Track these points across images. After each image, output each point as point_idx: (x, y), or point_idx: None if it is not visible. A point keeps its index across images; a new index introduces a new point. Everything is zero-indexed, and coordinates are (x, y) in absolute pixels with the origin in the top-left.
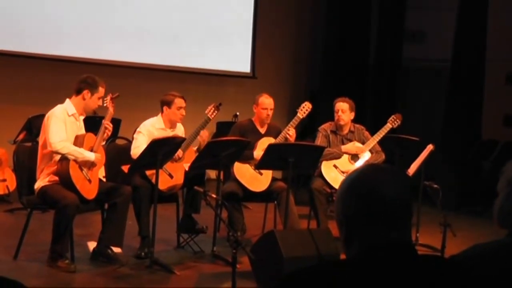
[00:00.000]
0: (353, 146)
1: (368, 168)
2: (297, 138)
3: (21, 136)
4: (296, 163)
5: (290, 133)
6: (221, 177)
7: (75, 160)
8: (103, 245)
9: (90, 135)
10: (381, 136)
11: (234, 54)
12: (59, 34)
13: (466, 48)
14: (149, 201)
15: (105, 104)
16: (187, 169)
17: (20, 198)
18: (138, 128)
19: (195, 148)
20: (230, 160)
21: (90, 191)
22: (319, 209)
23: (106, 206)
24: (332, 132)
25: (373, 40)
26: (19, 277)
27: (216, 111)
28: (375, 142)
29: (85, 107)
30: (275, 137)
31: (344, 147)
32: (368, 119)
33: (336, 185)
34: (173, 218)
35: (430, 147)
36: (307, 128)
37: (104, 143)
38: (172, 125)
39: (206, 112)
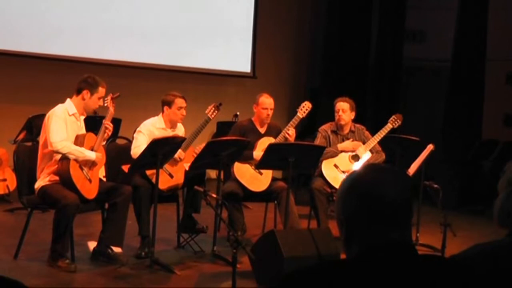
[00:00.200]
0: (349, 143)
1: (369, 168)
2: (297, 138)
3: (21, 136)
4: (296, 162)
5: (290, 132)
6: (221, 176)
7: (75, 160)
8: (103, 244)
9: (91, 134)
10: (382, 136)
11: (234, 54)
12: (59, 34)
13: (466, 48)
14: (149, 201)
15: (105, 104)
16: (187, 168)
17: (20, 198)
18: (139, 127)
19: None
20: (230, 160)
21: (90, 191)
22: (319, 208)
23: (106, 205)
24: (333, 132)
25: (373, 40)
26: (19, 276)
27: (216, 111)
28: (376, 142)
29: (85, 107)
30: (275, 137)
31: (340, 145)
32: (368, 118)
33: (337, 184)
34: (173, 218)
35: (430, 147)
36: (307, 128)
37: (104, 142)
38: (173, 125)
39: (206, 112)
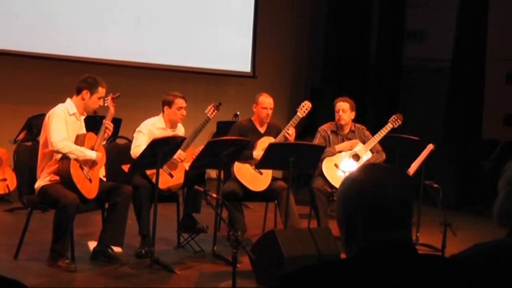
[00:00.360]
0: (346, 143)
1: (369, 167)
2: (297, 138)
3: (21, 136)
4: (297, 162)
5: (289, 132)
6: (222, 176)
7: (76, 159)
8: (104, 244)
9: (91, 134)
10: (382, 135)
11: (235, 54)
12: (59, 34)
13: (466, 48)
14: (150, 201)
15: (106, 104)
16: (187, 168)
17: (21, 198)
18: (139, 127)
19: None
20: (230, 160)
21: (90, 191)
22: (319, 208)
23: (106, 205)
24: (333, 132)
25: (373, 40)
26: (19, 276)
27: (216, 111)
28: (376, 141)
29: (85, 107)
30: (275, 136)
31: (338, 146)
32: (368, 118)
33: (337, 184)
34: (174, 217)
35: (430, 146)
36: (307, 128)
37: (105, 142)
38: (173, 125)
39: (206, 112)
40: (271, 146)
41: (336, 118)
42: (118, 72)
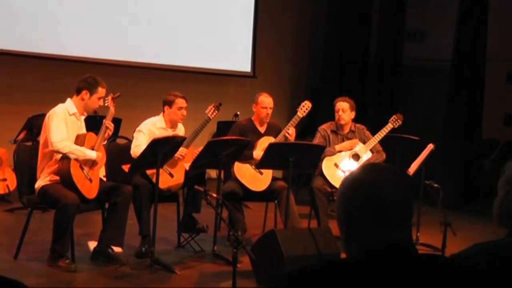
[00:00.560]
0: (346, 143)
1: (369, 167)
2: (297, 137)
3: (21, 136)
4: (297, 162)
5: (290, 132)
6: (222, 176)
7: (76, 159)
8: (104, 244)
9: (91, 134)
10: (382, 135)
11: (235, 54)
12: (59, 34)
13: (466, 48)
14: (150, 201)
15: (106, 104)
16: (187, 168)
17: (21, 198)
18: (139, 127)
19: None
20: (230, 160)
21: (90, 191)
22: (319, 208)
23: (106, 205)
24: (333, 132)
25: (373, 39)
26: (19, 276)
27: (216, 111)
28: (376, 141)
29: (85, 107)
30: (275, 136)
31: (338, 146)
32: (368, 118)
33: (337, 184)
34: (174, 217)
35: (430, 146)
36: (307, 127)
37: (105, 142)
38: (173, 125)
39: (206, 112)
40: (271, 146)
41: (336, 118)
42: (118, 72)
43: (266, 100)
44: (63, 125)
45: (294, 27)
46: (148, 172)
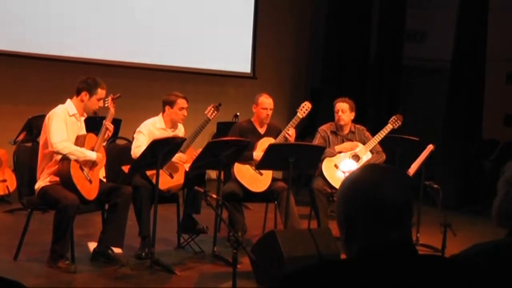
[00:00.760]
0: (347, 144)
1: (369, 168)
2: (296, 138)
3: (21, 137)
4: (297, 163)
5: (289, 133)
6: (222, 177)
7: (76, 160)
8: (104, 245)
9: (91, 135)
10: (382, 136)
11: (234, 54)
12: (59, 34)
13: (466, 48)
14: (150, 202)
15: (106, 105)
16: (187, 169)
17: (20, 199)
18: (139, 128)
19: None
20: (230, 160)
21: (90, 192)
22: (319, 209)
23: (106, 206)
24: (332, 132)
25: (373, 40)
26: (19, 277)
27: (215, 112)
28: (376, 142)
29: (85, 108)
30: (275, 137)
31: (338, 147)
32: (368, 119)
33: (337, 185)
34: (174, 218)
35: (430, 147)
36: (307, 128)
37: (105, 143)
38: (173, 125)
39: (205, 112)
40: (271, 147)
41: (336, 118)
42: (118, 72)
43: (266, 101)
44: (63, 126)
45: (294, 27)
46: (148, 173)
